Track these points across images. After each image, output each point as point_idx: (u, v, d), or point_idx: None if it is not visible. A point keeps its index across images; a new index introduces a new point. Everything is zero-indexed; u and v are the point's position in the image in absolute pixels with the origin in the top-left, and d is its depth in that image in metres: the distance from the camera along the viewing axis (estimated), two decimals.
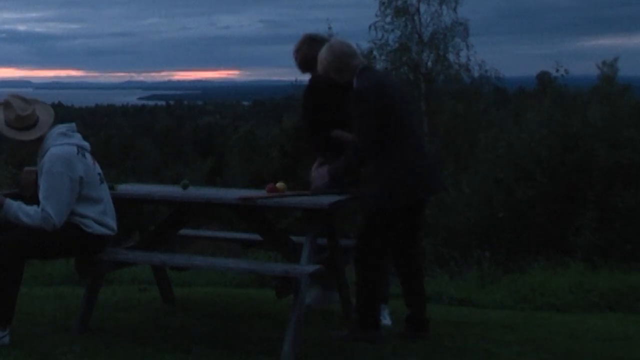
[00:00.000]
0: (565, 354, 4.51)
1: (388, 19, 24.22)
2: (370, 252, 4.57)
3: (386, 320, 5.10)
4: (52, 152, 4.38)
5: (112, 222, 4.55)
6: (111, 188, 4.80)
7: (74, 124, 4.58)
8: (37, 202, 4.40)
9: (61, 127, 4.51)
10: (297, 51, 5.21)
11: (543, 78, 25.75)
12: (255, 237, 5.27)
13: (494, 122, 22.92)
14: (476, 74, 24.40)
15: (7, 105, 4.50)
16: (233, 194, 5.07)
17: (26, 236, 4.32)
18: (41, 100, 4.69)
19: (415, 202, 4.62)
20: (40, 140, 4.47)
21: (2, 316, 4.30)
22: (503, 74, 26.05)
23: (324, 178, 4.73)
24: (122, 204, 4.85)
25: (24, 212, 4.36)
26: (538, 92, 24.99)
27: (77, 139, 4.52)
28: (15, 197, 4.56)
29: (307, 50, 5.12)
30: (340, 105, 4.98)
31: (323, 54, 4.65)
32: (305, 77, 5.42)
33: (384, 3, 24.36)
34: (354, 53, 4.68)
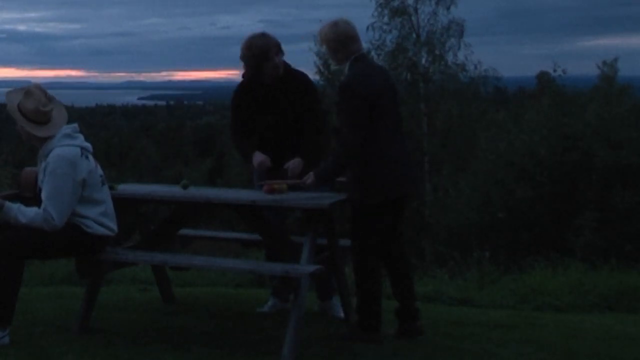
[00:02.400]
0: (565, 354, 4.51)
1: (385, 19, 24.25)
2: (364, 252, 4.55)
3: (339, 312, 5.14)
4: (57, 153, 4.38)
5: (112, 224, 4.55)
6: (111, 188, 4.80)
7: (77, 125, 4.57)
8: (37, 203, 4.40)
9: (66, 129, 4.50)
10: (250, 46, 5.07)
11: (543, 78, 25.76)
12: (255, 237, 5.27)
13: (494, 123, 22.93)
14: (473, 74, 24.42)
15: (28, 93, 4.49)
16: (233, 194, 5.07)
17: (26, 236, 4.32)
18: (58, 100, 4.68)
19: (397, 198, 4.56)
20: (45, 139, 4.47)
21: (2, 316, 4.30)
22: (503, 74, 26.08)
23: (309, 179, 4.57)
24: (122, 204, 4.84)
25: (23, 214, 4.36)
26: (538, 93, 25.01)
27: (81, 140, 4.52)
28: (14, 197, 4.56)
29: (262, 42, 5.08)
30: (265, 106, 5.08)
31: (325, 29, 4.61)
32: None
33: (381, 4, 24.37)
34: (356, 37, 4.64)
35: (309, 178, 4.55)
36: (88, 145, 4.54)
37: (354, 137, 4.38)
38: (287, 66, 5.18)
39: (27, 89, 4.51)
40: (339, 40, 4.56)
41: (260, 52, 5.03)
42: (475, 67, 24.33)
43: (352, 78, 4.49)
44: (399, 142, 4.59)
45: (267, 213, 5.07)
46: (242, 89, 5.25)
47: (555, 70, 22.71)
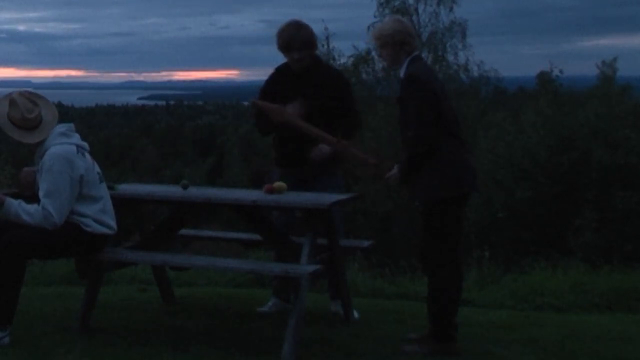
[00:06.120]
0: (565, 354, 4.51)
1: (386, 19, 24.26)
2: (438, 249, 4.32)
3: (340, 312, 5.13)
4: (52, 152, 4.38)
5: (112, 221, 4.56)
6: (111, 188, 4.80)
7: (72, 124, 4.59)
8: (37, 202, 4.40)
9: (60, 127, 4.51)
10: (280, 32, 5.22)
11: (543, 78, 25.78)
12: (255, 237, 5.27)
13: (494, 123, 22.94)
14: (475, 74, 24.45)
15: (12, 102, 4.49)
16: (233, 194, 5.07)
17: (27, 237, 4.32)
18: (45, 98, 4.68)
19: (464, 194, 4.39)
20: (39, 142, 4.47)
21: (3, 317, 4.30)
22: (503, 74, 26.13)
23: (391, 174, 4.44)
24: (122, 204, 4.84)
25: (24, 210, 4.36)
26: (538, 92, 25.04)
27: (76, 138, 4.52)
28: (14, 196, 4.56)
29: (290, 34, 5.18)
30: (291, 96, 5.09)
31: (389, 24, 4.52)
32: None
33: (382, 3, 24.42)
34: (415, 36, 4.62)
35: (392, 172, 4.42)
36: (84, 143, 4.55)
37: (424, 125, 4.22)
38: (319, 61, 5.30)
39: (11, 99, 4.50)
40: (408, 33, 4.46)
41: (283, 44, 5.17)
42: (478, 67, 24.39)
43: (417, 70, 4.36)
44: (464, 140, 4.49)
45: (275, 214, 5.17)
46: (274, 76, 5.33)
47: (552, 71, 22.78)
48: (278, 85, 5.25)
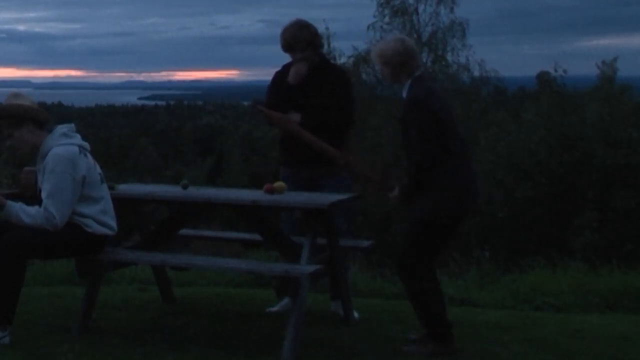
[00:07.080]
0: (565, 354, 4.51)
1: (386, 19, 24.29)
2: (418, 263, 4.36)
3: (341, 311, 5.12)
4: (55, 152, 4.38)
5: (112, 222, 4.56)
6: (111, 188, 4.80)
7: (73, 125, 4.60)
8: (37, 202, 4.40)
9: (62, 128, 4.52)
10: (283, 32, 5.21)
11: (543, 78, 25.82)
12: (255, 237, 5.27)
13: (494, 122, 22.96)
14: (477, 74, 24.48)
15: (17, 96, 4.55)
16: (233, 194, 5.07)
17: (28, 237, 4.32)
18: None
19: (463, 214, 4.45)
20: (40, 138, 4.48)
21: (3, 317, 4.30)
22: (503, 74, 26.15)
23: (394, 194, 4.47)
24: (122, 204, 4.84)
25: (25, 212, 4.36)
26: (538, 92, 25.08)
27: (78, 139, 4.53)
28: (15, 197, 4.56)
29: (292, 34, 5.16)
30: (289, 103, 5.10)
31: (391, 44, 4.50)
32: None
33: (382, 3, 24.42)
34: (418, 55, 4.59)
35: (394, 192, 4.45)
36: (86, 144, 4.55)
37: (427, 149, 4.25)
38: (323, 62, 5.25)
39: (12, 94, 4.56)
40: (409, 54, 4.44)
41: (284, 44, 5.15)
42: (480, 67, 24.41)
43: (419, 93, 4.36)
44: (467, 158, 4.50)
45: (283, 215, 5.20)
46: (280, 75, 5.29)
47: (556, 70, 22.83)
48: (283, 88, 5.19)
